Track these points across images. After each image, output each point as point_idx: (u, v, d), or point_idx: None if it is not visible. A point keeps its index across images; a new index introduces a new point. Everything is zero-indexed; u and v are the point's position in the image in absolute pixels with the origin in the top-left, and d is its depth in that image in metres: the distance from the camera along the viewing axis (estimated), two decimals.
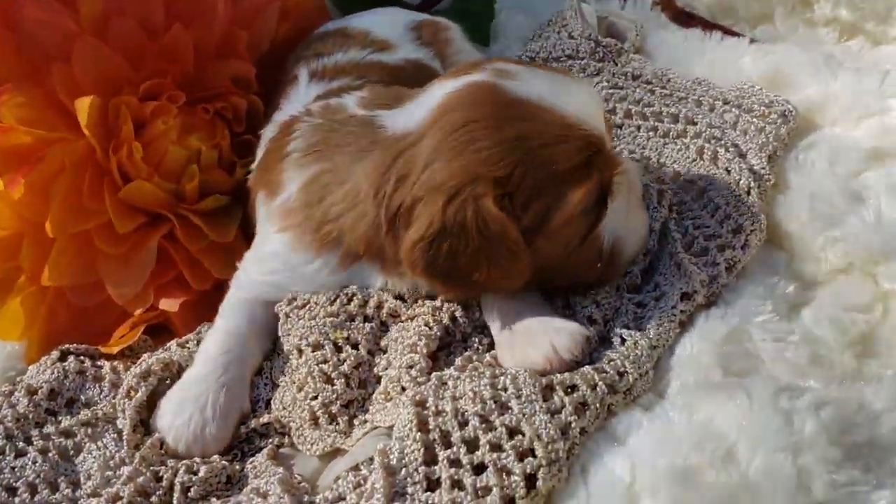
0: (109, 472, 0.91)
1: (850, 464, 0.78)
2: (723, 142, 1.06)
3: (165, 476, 0.89)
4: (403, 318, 0.96)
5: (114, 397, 0.98)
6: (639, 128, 1.17)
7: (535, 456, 0.79)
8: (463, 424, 0.82)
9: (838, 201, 0.98)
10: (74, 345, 1.04)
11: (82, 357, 1.03)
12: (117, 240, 1.08)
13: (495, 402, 0.83)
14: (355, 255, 0.95)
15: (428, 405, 0.84)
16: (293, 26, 1.29)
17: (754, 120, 1.08)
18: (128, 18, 1.11)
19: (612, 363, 0.88)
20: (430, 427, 0.82)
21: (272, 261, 0.99)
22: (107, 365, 1.03)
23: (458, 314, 0.94)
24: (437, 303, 0.95)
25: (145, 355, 1.02)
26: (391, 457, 0.81)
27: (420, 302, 0.96)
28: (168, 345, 1.04)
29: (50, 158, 1.04)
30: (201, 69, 1.16)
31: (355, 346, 0.95)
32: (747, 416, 0.79)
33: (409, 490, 0.79)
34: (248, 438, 0.95)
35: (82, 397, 0.99)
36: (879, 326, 0.91)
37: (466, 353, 0.93)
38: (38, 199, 1.04)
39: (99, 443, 0.94)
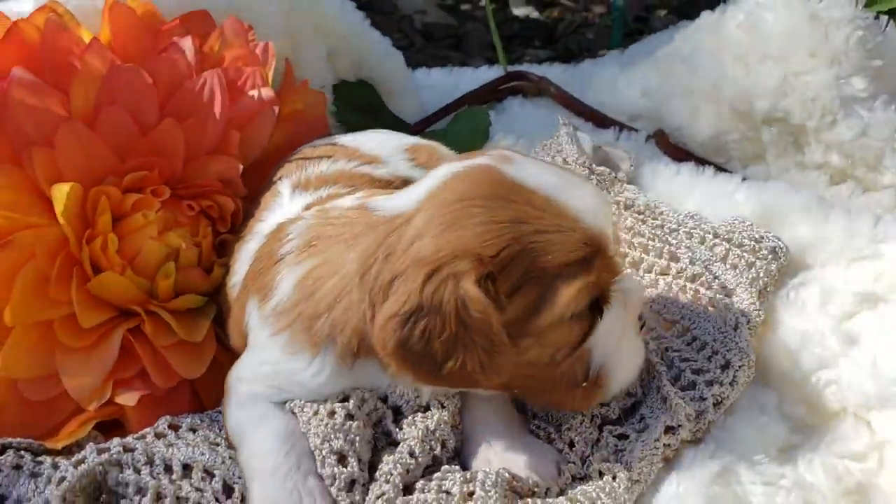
0: None
1: None
2: (704, 279, 1.04)
3: None
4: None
5: None
6: (623, 257, 1.13)
7: None
8: None
9: (831, 343, 0.95)
10: (18, 439, 0.96)
11: (22, 451, 0.95)
12: (80, 333, 1.02)
13: None
14: (352, 352, 0.87)
15: None
16: (288, 133, 1.27)
17: (744, 255, 1.07)
18: (120, 109, 1.09)
19: (587, 495, 0.83)
20: None
21: (268, 367, 0.93)
22: (48, 460, 0.94)
23: (450, 444, 0.89)
24: (431, 425, 0.89)
25: (88, 447, 0.93)
26: None
27: (410, 420, 0.90)
28: (112, 441, 0.95)
29: (19, 243, 1.00)
30: (189, 166, 1.14)
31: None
32: None
33: None
34: None
35: (15, 493, 0.89)
36: (875, 478, 0.86)
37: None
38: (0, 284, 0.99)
39: None
